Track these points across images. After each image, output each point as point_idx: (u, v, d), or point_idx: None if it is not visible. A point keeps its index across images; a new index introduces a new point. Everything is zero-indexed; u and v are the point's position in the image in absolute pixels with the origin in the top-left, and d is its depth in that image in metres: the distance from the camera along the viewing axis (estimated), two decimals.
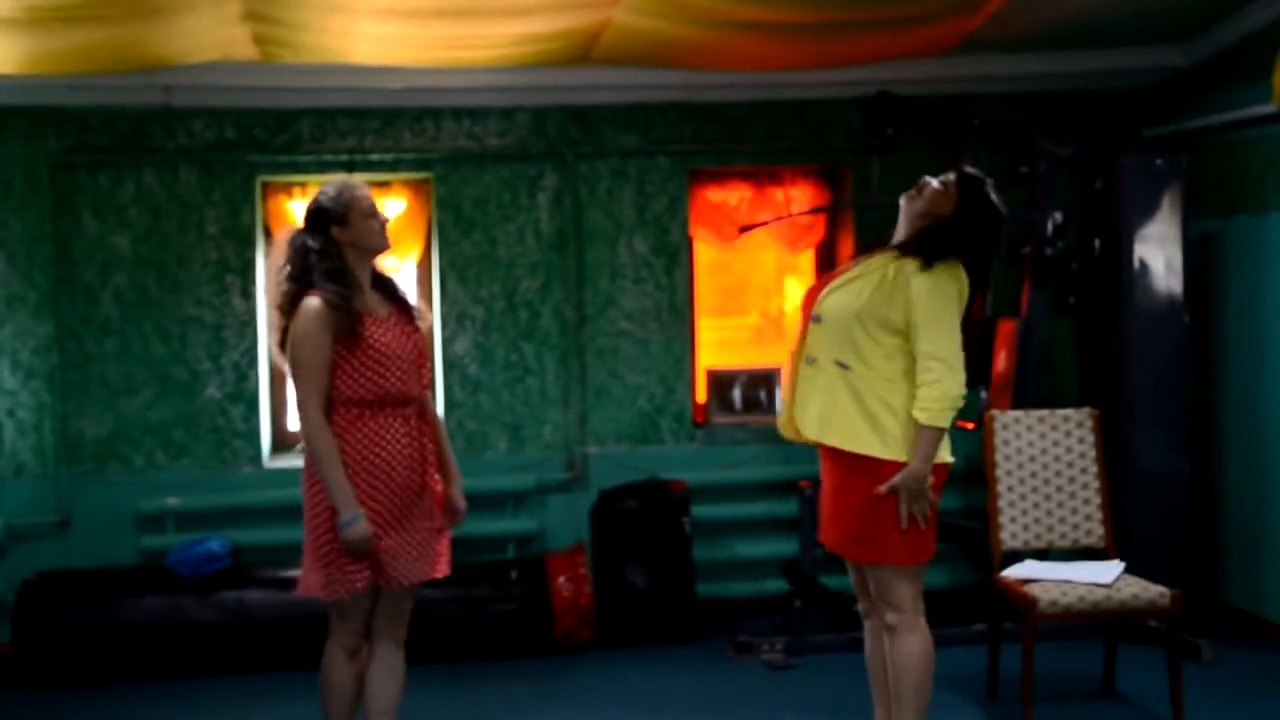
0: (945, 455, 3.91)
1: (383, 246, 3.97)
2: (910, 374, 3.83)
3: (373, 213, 3.92)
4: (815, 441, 3.96)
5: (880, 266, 3.89)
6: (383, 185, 6.50)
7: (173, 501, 6.27)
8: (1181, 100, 6.52)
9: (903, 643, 3.91)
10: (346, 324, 3.80)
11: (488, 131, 6.54)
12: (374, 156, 6.45)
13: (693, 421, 6.72)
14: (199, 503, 6.30)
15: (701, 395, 6.81)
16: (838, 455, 3.91)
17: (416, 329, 4.02)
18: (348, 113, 6.42)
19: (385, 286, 4.04)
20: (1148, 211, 5.96)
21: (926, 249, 3.83)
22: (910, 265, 3.83)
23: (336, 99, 6.36)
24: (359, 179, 6.05)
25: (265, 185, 6.49)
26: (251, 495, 6.32)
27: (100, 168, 6.29)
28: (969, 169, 4.02)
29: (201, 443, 6.39)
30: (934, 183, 3.94)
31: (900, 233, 3.97)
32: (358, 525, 3.78)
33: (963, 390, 3.78)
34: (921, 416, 3.75)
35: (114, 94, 6.17)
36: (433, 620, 5.73)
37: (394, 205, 6.54)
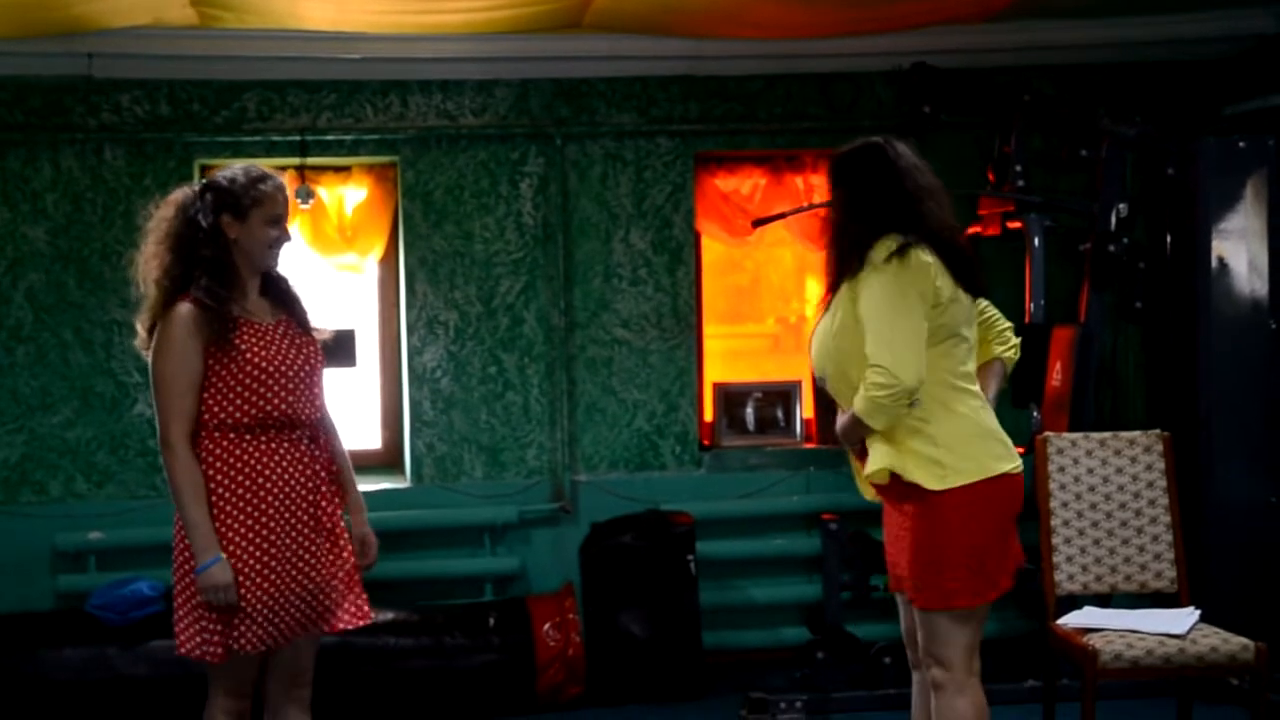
0: (1006, 464, 3.96)
1: (266, 267, 3.90)
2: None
3: (277, 222, 3.85)
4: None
5: (840, 298, 4.06)
6: (341, 170, 6.52)
7: (95, 536, 6.25)
8: (1267, 72, 6.47)
9: (949, 705, 3.93)
10: (218, 330, 3.75)
11: (462, 108, 6.55)
12: (330, 137, 6.45)
13: (698, 444, 6.75)
14: (126, 537, 6.26)
15: (709, 414, 6.86)
16: (887, 493, 4.08)
17: (311, 340, 3.96)
18: (300, 86, 6.43)
19: (277, 288, 3.98)
20: (1228, 202, 6.01)
21: (849, 260, 4.01)
22: (852, 283, 4.00)
23: (287, 70, 6.37)
24: (314, 161, 6.37)
25: (204, 169, 6.44)
26: None
27: (11, 148, 6.28)
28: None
29: (129, 467, 6.37)
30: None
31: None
32: (213, 571, 3.68)
33: (900, 389, 3.84)
34: (856, 406, 3.93)
35: (27, 63, 6.18)
36: (398, 673, 5.75)
37: (354, 194, 6.57)
